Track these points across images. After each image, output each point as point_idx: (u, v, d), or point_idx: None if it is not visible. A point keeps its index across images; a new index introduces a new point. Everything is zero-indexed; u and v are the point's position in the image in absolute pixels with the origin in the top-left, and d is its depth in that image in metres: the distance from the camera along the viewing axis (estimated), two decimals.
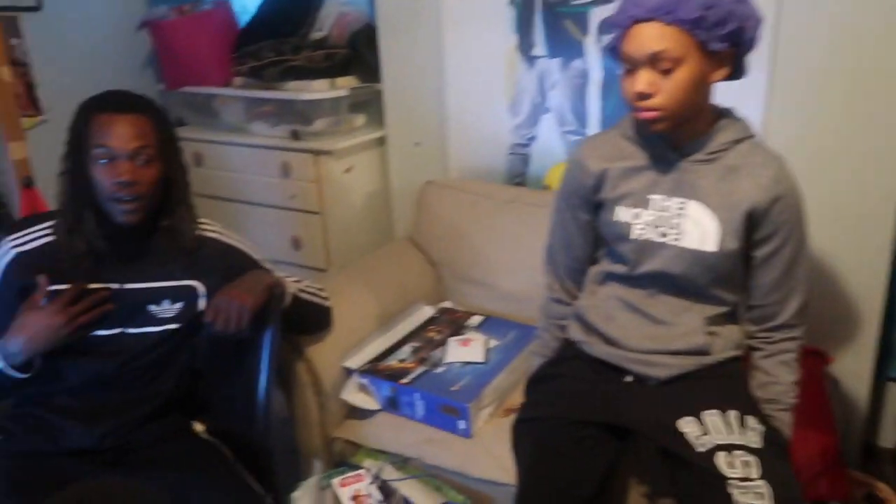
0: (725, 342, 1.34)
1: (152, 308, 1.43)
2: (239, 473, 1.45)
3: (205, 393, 1.58)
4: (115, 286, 1.40)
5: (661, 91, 1.18)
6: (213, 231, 1.53)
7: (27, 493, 1.30)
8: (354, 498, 1.48)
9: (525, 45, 2.09)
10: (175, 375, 1.49)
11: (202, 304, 1.46)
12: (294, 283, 1.58)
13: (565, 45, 2.03)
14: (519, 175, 2.23)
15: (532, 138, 2.18)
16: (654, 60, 1.16)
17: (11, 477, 1.34)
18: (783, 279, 1.28)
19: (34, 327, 1.33)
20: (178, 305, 1.45)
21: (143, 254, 1.43)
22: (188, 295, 1.46)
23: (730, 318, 1.37)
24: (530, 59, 2.09)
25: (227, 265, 1.50)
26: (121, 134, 1.31)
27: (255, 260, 1.57)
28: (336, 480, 1.52)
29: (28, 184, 1.89)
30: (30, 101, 2.39)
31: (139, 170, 1.33)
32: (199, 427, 1.56)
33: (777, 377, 1.31)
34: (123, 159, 1.31)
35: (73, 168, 1.36)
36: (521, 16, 2.06)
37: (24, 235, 1.40)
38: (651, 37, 1.15)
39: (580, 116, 2.08)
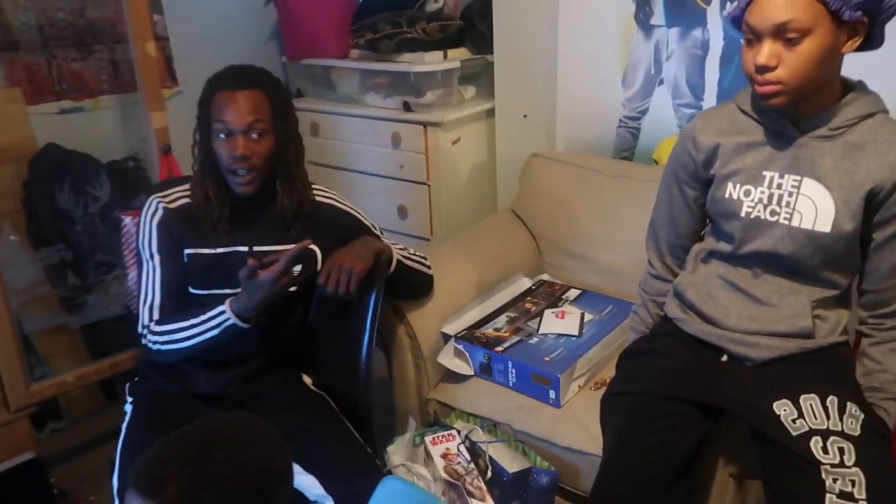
0: (833, 327, 1.27)
1: None
2: (344, 423, 1.54)
3: (313, 349, 1.68)
4: (244, 249, 1.50)
5: (784, 63, 1.12)
6: (328, 197, 1.61)
7: (159, 427, 1.44)
8: (444, 455, 1.53)
9: (643, 14, 2.03)
10: (290, 332, 1.61)
11: (318, 266, 1.54)
12: (399, 251, 1.64)
13: (686, 14, 1.96)
14: (628, 149, 2.19)
15: (644, 111, 2.13)
16: (779, 31, 1.10)
17: (146, 413, 1.51)
18: None
19: (264, 293, 1.38)
20: (298, 268, 1.51)
21: (266, 219, 1.51)
22: (307, 258, 1.54)
23: (840, 301, 1.30)
24: (647, 29, 2.04)
25: (341, 230, 1.58)
26: (236, 110, 1.38)
27: (366, 225, 1.64)
28: (428, 438, 1.58)
29: (167, 150, 2.06)
30: (168, 74, 2.60)
31: (253, 143, 1.39)
32: (307, 380, 1.68)
33: (886, 366, 1.24)
34: (239, 134, 1.38)
35: (202, 141, 1.45)
36: None
37: (169, 194, 1.51)
38: (779, 5, 1.09)
39: (696, 89, 2.01)
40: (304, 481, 1.41)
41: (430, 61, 2.32)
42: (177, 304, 1.49)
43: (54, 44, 2.29)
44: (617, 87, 2.13)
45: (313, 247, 1.54)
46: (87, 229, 2.22)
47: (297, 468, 1.42)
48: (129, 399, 1.58)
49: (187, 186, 1.52)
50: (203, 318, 1.43)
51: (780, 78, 1.13)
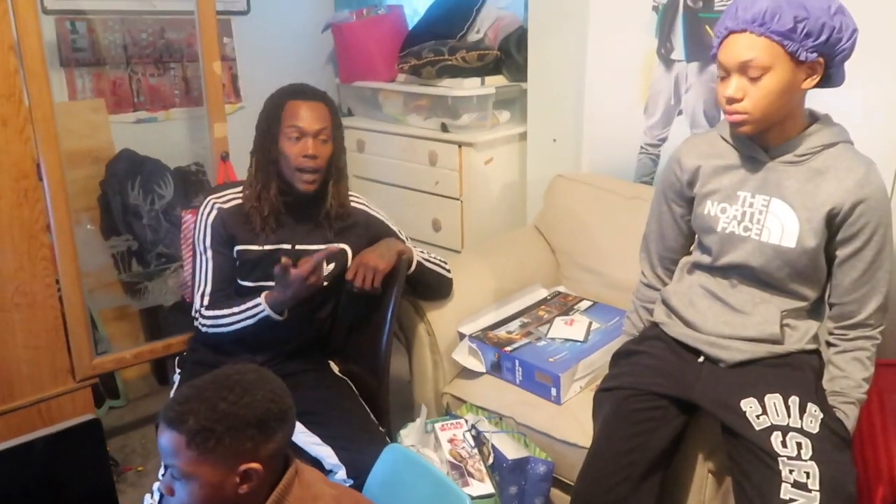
0: (801, 335, 1.38)
1: None
2: (361, 405, 1.72)
3: (341, 337, 1.87)
4: (287, 246, 1.69)
5: (749, 96, 1.26)
6: (361, 203, 1.80)
7: None
8: (451, 440, 1.68)
9: (664, 49, 2.17)
10: (321, 322, 1.79)
11: (348, 264, 1.73)
12: (420, 253, 1.81)
13: (704, 50, 2.09)
14: (648, 174, 2.32)
15: (663, 139, 2.25)
16: (743, 68, 1.25)
17: (191, 379, 1.70)
18: (863, 280, 1.31)
19: (295, 289, 1.56)
20: (331, 266, 1.71)
21: (308, 221, 1.70)
22: (340, 257, 1.73)
23: (811, 313, 1.41)
24: (668, 63, 2.18)
25: (371, 233, 1.77)
26: (308, 117, 1.60)
27: (393, 230, 1.82)
28: (438, 424, 1.73)
29: (224, 157, 2.29)
30: (233, 90, 2.88)
31: (320, 146, 1.61)
32: (334, 366, 1.86)
33: (847, 372, 1.34)
34: (310, 137, 1.60)
35: (266, 144, 1.64)
36: (662, 20, 2.15)
37: (223, 196, 1.71)
38: (742, 46, 1.24)
39: (712, 120, 2.12)
40: (322, 451, 1.59)
41: (468, 87, 2.50)
42: (225, 293, 1.68)
43: (136, 61, 2.58)
44: (639, 116, 2.27)
45: (344, 246, 1.73)
46: (151, 223, 2.47)
47: (315, 439, 1.61)
48: (178, 371, 1.79)
49: (240, 189, 1.71)
50: (243, 307, 1.63)
51: (746, 109, 1.27)
